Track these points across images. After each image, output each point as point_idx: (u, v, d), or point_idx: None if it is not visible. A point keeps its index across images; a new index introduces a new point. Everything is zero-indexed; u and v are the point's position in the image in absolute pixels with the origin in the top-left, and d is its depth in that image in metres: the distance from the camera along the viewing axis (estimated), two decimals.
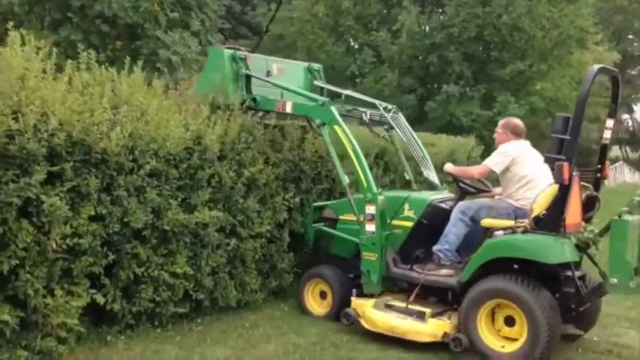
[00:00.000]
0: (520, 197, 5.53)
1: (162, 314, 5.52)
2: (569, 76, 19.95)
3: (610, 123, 5.51)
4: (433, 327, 5.28)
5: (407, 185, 7.26)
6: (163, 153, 5.38)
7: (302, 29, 21.81)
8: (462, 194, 6.05)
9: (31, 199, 4.33)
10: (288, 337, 5.56)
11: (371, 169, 8.12)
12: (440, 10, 21.89)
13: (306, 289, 6.40)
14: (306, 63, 7.70)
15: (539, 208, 5.09)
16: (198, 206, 5.64)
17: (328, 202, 6.90)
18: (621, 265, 4.76)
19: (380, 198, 5.80)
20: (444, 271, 5.61)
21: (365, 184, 5.85)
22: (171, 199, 5.43)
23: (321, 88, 7.33)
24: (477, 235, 5.58)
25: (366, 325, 5.59)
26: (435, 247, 5.75)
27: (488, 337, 5.15)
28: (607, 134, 5.51)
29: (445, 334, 5.21)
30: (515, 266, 5.22)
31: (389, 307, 5.63)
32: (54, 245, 4.47)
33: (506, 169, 5.61)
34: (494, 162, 5.68)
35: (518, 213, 5.44)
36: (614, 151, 41.20)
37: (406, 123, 7.06)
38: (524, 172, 5.56)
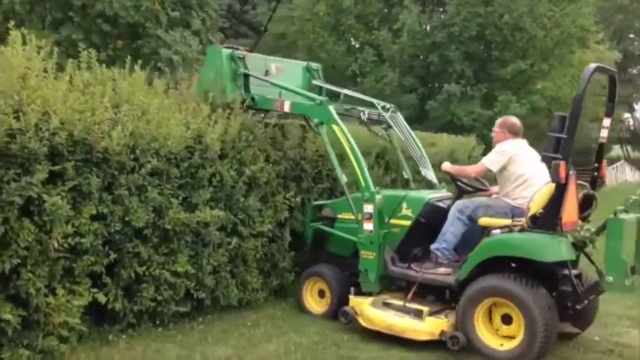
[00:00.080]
0: (517, 196, 5.55)
1: (164, 313, 5.53)
2: (571, 75, 19.91)
3: (607, 122, 5.53)
4: (431, 325, 5.30)
5: (408, 184, 7.27)
6: (164, 152, 5.39)
7: (303, 28, 21.77)
8: (460, 193, 6.07)
9: (32, 198, 4.33)
10: (289, 336, 5.56)
11: (372, 168, 8.19)
12: (441, 10, 21.86)
13: (304, 288, 6.42)
14: (305, 62, 7.72)
15: (535, 206, 5.11)
16: (199, 205, 5.64)
17: (326, 201, 6.91)
18: (617, 263, 4.78)
19: (378, 197, 5.82)
20: (441, 270, 5.63)
21: (363, 183, 5.86)
22: (172, 198, 5.44)
23: (320, 88, 7.34)
24: (474, 233, 5.60)
25: (363, 324, 5.60)
26: (433, 246, 5.77)
27: (486, 335, 5.17)
28: (604, 133, 5.53)
29: (442, 333, 5.23)
30: (513, 265, 5.23)
31: (387, 305, 5.64)
32: (55, 244, 4.48)
33: (503, 168, 5.63)
34: (491, 161, 5.70)
35: (515, 212, 5.46)
36: (616, 150, 41.20)
37: (404, 122, 7.07)
38: (521, 171, 5.58)
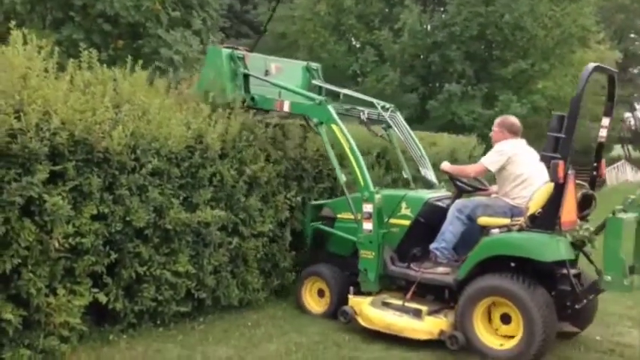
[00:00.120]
0: (516, 196, 5.56)
1: (165, 313, 5.52)
2: (571, 74, 19.89)
3: (606, 121, 5.53)
4: (430, 325, 5.31)
5: (408, 184, 7.27)
6: (165, 152, 5.39)
7: (304, 28, 21.76)
8: (459, 192, 6.08)
9: (33, 198, 4.33)
10: (290, 336, 5.56)
11: (373, 168, 8.19)
12: (442, 9, 21.86)
13: (304, 288, 6.42)
14: (305, 62, 7.72)
15: (534, 206, 5.13)
16: (200, 205, 5.64)
17: (326, 201, 6.91)
18: (615, 262, 4.78)
19: (377, 196, 5.82)
20: (440, 269, 5.64)
21: (362, 183, 5.87)
22: (173, 198, 5.43)
23: (320, 87, 7.34)
24: (473, 233, 5.61)
25: (362, 323, 5.61)
26: (432, 245, 5.77)
27: (485, 334, 5.18)
28: (603, 132, 5.54)
29: (441, 332, 5.24)
30: (512, 264, 5.23)
31: (386, 304, 5.65)
32: (56, 244, 4.47)
33: (502, 168, 5.64)
34: (490, 161, 5.71)
35: (514, 211, 5.47)
36: (617, 150, 41.17)
37: (404, 122, 7.09)
38: (520, 170, 5.59)
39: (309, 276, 6.42)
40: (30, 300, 4.39)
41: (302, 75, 7.45)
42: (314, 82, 7.40)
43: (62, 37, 8.96)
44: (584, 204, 5.37)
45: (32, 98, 4.44)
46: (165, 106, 5.65)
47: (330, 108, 6.16)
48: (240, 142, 6.18)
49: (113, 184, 5.03)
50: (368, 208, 5.84)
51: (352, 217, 6.03)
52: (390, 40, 19.86)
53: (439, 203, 6.08)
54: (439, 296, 5.66)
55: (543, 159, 5.17)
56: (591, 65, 5.11)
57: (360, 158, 5.94)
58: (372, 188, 5.83)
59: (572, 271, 5.18)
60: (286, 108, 6.48)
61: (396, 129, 7.01)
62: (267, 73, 6.84)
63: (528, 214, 5.13)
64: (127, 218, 5.07)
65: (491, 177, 5.99)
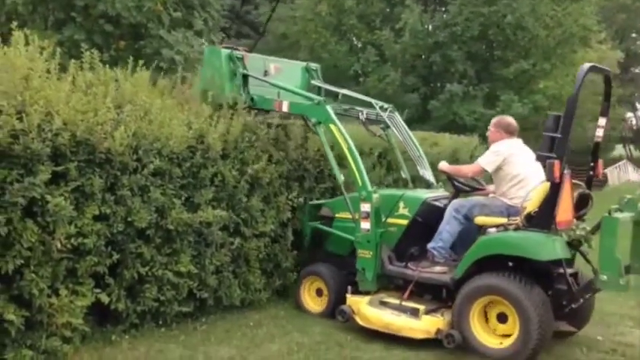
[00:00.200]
0: (513, 196, 5.57)
1: (167, 313, 5.53)
2: (573, 74, 19.82)
3: (602, 121, 5.54)
4: (427, 323, 5.32)
5: (407, 184, 7.28)
6: (167, 152, 5.39)
7: (305, 28, 21.78)
8: (456, 192, 6.09)
9: (35, 198, 4.33)
10: (292, 336, 5.56)
11: (374, 168, 8.19)
12: (443, 9, 21.87)
13: (302, 287, 6.43)
14: (304, 62, 7.73)
15: (531, 205, 5.15)
16: (201, 205, 5.65)
17: (325, 201, 6.92)
18: (611, 262, 4.78)
19: (375, 196, 5.84)
20: (437, 269, 5.65)
21: (360, 183, 5.89)
22: (174, 198, 5.44)
23: (319, 88, 7.35)
24: (470, 232, 5.62)
25: (360, 322, 5.62)
26: (430, 245, 5.79)
27: (481, 333, 5.19)
28: (599, 132, 5.55)
29: (438, 331, 5.25)
30: (510, 264, 5.24)
31: (383, 304, 5.67)
32: (58, 245, 4.48)
33: (499, 168, 5.66)
34: (487, 161, 5.73)
35: (510, 211, 5.48)
36: (618, 150, 41.13)
37: (402, 122, 7.09)
38: (517, 171, 5.60)
39: (307, 275, 6.44)
40: (32, 300, 4.39)
41: (301, 75, 7.46)
42: (313, 82, 7.41)
43: (64, 38, 8.98)
44: (581, 204, 5.38)
45: (34, 99, 4.45)
46: (166, 107, 5.66)
47: (329, 108, 6.17)
48: (242, 142, 6.19)
49: (115, 185, 5.03)
50: (365, 207, 5.85)
51: (350, 216, 6.04)
52: (391, 40, 19.87)
53: (437, 203, 6.09)
54: (437, 295, 5.67)
55: (539, 158, 5.18)
56: (586, 65, 5.12)
57: (358, 158, 5.96)
58: (369, 188, 5.85)
59: (569, 271, 5.20)
60: (285, 108, 6.49)
61: (394, 129, 7.03)
62: (266, 73, 6.85)
63: (524, 213, 5.15)
64: (129, 219, 5.07)
65: (489, 177, 6.00)
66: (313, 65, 7.60)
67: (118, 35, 9.53)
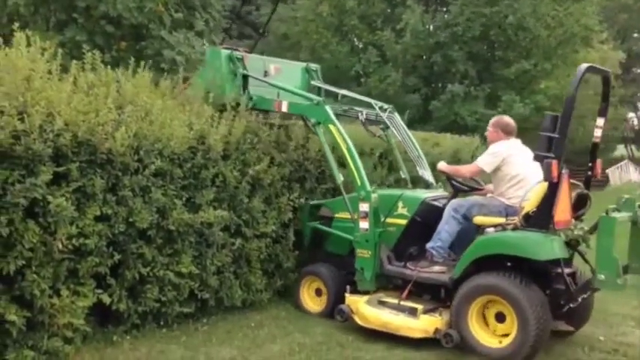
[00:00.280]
0: (511, 196, 5.58)
1: (168, 314, 5.53)
2: (574, 74, 19.87)
3: (601, 121, 5.55)
4: (425, 323, 5.33)
5: (406, 184, 7.29)
6: (168, 152, 5.40)
7: (306, 29, 21.78)
8: (455, 192, 6.10)
9: (37, 199, 4.34)
10: (293, 337, 5.57)
11: (375, 168, 8.19)
12: (444, 9, 21.86)
13: (301, 287, 6.44)
14: (304, 63, 7.74)
15: (529, 205, 5.15)
16: (202, 206, 5.65)
17: (324, 201, 6.92)
18: (608, 261, 4.79)
19: (373, 196, 5.85)
20: (436, 268, 5.66)
21: (359, 182, 5.90)
22: (176, 199, 5.44)
23: (319, 88, 7.36)
24: (469, 232, 5.63)
25: (359, 322, 5.63)
26: (428, 245, 5.79)
27: (479, 333, 5.19)
28: (598, 133, 5.55)
29: (437, 330, 5.26)
30: (508, 264, 5.25)
31: (382, 303, 5.68)
32: (60, 245, 4.48)
33: (497, 169, 5.68)
34: (485, 162, 5.74)
35: (509, 210, 5.49)
36: (620, 150, 41.06)
37: (402, 122, 7.11)
38: (515, 171, 5.61)
39: (306, 275, 6.45)
40: (34, 301, 4.40)
41: (301, 76, 7.47)
42: (313, 82, 7.42)
43: (65, 39, 8.97)
44: (579, 204, 5.38)
45: (36, 100, 4.46)
46: (167, 107, 5.67)
47: (328, 108, 6.19)
48: (244, 143, 6.19)
49: (116, 185, 5.04)
50: (364, 207, 5.87)
51: (349, 216, 6.05)
52: (392, 41, 19.87)
53: (435, 203, 6.11)
54: (435, 295, 5.68)
55: (537, 158, 5.18)
56: (584, 66, 5.15)
57: (357, 158, 5.97)
58: (368, 187, 5.86)
59: (567, 270, 5.20)
60: (284, 108, 6.51)
61: (393, 129, 7.04)
62: (266, 74, 6.87)
63: (522, 213, 5.16)
64: (130, 219, 5.08)
65: (488, 176, 6.00)
66: (313, 66, 7.62)
67: (120, 36, 9.53)
